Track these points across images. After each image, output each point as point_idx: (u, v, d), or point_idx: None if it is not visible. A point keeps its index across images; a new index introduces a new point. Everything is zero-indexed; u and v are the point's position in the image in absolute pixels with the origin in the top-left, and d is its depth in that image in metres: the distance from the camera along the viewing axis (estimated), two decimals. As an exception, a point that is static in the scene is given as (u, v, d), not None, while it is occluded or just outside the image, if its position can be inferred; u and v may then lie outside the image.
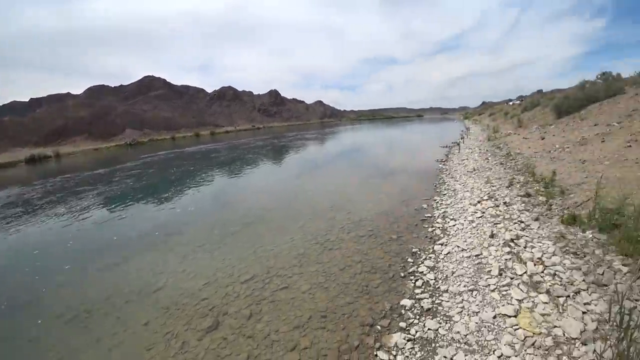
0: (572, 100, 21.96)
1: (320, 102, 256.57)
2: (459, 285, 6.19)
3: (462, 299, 5.72)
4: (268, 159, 31.59)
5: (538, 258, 6.29)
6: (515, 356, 4.14)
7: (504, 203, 9.83)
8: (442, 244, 8.32)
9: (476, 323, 4.97)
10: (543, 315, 4.73)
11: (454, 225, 9.29)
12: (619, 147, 11.10)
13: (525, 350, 4.18)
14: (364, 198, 13.60)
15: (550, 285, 5.38)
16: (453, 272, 6.73)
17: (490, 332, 4.70)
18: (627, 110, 15.40)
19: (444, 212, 10.71)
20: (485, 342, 4.53)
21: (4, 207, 17.70)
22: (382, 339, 5.22)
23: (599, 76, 25.42)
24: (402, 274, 7.18)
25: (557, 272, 5.67)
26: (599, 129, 14.87)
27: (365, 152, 32.29)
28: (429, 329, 5.16)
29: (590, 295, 4.91)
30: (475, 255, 7.08)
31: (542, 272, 5.81)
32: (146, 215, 13.70)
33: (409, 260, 7.83)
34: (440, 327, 5.18)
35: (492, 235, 7.77)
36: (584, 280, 5.29)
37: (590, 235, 6.64)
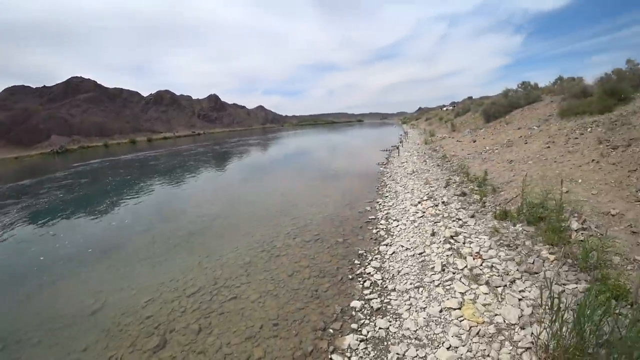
0: (498, 106, 23.95)
1: (261, 107, 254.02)
2: (406, 283, 6.36)
3: (410, 296, 5.88)
4: (210, 166, 30.56)
5: (476, 252, 6.67)
6: (463, 346, 4.32)
7: (443, 202, 10.35)
8: (386, 245, 8.53)
9: (424, 318, 5.12)
10: (484, 305, 5.01)
11: (397, 226, 9.58)
12: (539, 147, 12.20)
13: (472, 340, 4.38)
14: (308, 202, 13.61)
15: (488, 277, 5.72)
16: (399, 271, 6.91)
17: (438, 326, 4.87)
18: (544, 115, 17.04)
19: (387, 213, 11.03)
20: (434, 336, 4.69)
21: None
22: (335, 342, 5.20)
23: (520, 85, 27.98)
24: (350, 276, 7.25)
25: (494, 264, 6.05)
26: (522, 132, 16.27)
27: (308, 157, 32.45)
28: (380, 328, 5.22)
29: (524, 283, 5.29)
30: (419, 254, 7.35)
31: (481, 265, 6.17)
32: (79, 230, 12.46)
33: (356, 262, 7.92)
34: (390, 325, 5.27)
35: (433, 234, 8.13)
36: (517, 270, 5.70)
37: (520, 228, 7.19)
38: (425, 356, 4.37)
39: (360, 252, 8.43)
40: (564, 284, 4.98)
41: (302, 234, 10.00)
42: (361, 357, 4.75)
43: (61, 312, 6.86)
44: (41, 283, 8.19)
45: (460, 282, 5.80)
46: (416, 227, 8.98)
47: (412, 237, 8.42)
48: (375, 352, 4.76)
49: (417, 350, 4.49)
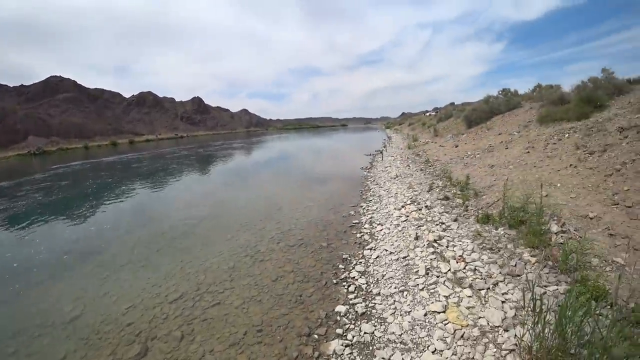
0: (480, 112, 24.41)
1: (245, 110, 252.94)
2: (390, 287, 6.36)
3: (394, 300, 5.88)
4: (194, 169, 30.14)
5: (460, 256, 6.73)
6: (448, 349, 4.33)
7: (426, 206, 10.43)
8: (371, 249, 8.54)
9: (409, 322, 5.11)
10: (468, 308, 5.04)
11: (381, 230, 9.61)
12: (520, 152, 12.46)
13: (456, 343, 4.39)
14: (293, 207, 13.54)
15: (472, 280, 5.76)
16: (383, 275, 6.90)
17: (423, 329, 4.87)
18: (524, 122, 17.42)
19: (371, 217, 11.06)
20: (419, 340, 4.68)
21: None
22: (320, 347, 5.15)
23: (500, 92, 28.62)
24: (335, 281, 7.21)
25: (477, 267, 6.11)
26: (502, 137, 16.60)
27: (293, 161, 32.42)
28: (365, 333, 5.19)
29: (506, 285, 5.35)
30: (403, 258, 7.36)
31: (464, 268, 6.21)
32: (57, 235, 11.99)
33: (340, 266, 7.90)
34: (375, 329, 5.25)
35: (416, 237, 8.16)
36: (500, 273, 5.76)
37: (502, 232, 7.29)
38: (410, 360, 4.36)
39: (344, 256, 8.41)
40: (545, 286, 5.05)
41: (286, 239, 9.93)
42: (346, 362, 4.72)
43: (38, 320, 6.59)
44: (16, 291, 7.85)
45: (444, 285, 5.82)
46: (400, 231, 9.01)
47: (396, 241, 8.44)
48: (361, 357, 4.73)
49: (402, 355, 4.47)
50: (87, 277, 8.37)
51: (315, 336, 5.44)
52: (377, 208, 11.98)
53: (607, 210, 6.54)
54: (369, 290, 6.58)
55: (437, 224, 8.78)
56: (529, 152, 12.07)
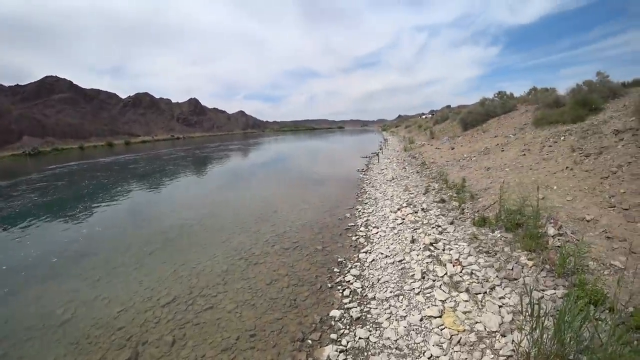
0: (476, 114, 24.42)
1: (242, 112, 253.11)
2: (385, 291, 6.27)
3: (390, 305, 5.79)
4: (190, 170, 29.91)
5: (456, 259, 6.65)
6: (444, 355, 4.24)
7: (422, 209, 10.36)
8: (366, 252, 8.44)
9: (405, 327, 5.02)
10: (465, 312, 4.96)
11: (376, 233, 9.52)
12: (516, 155, 12.43)
13: (453, 348, 4.30)
14: (288, 209, 13.43)
15: (468, 284, 5.69)
16: (379, 279, 6.81)
17: (419, 335, 4.78)
18: (520, 124, 17.44)
19: (367, 220, 10.97)
20: (415, 345, 4.59)
21: None
22: (314, 353, 5.04)
23: (496, 95, 28.66)
24: (330, 285, 7.11)
25: (473, 271, 6.03)
26: (498, 140, 16.59)
27: (289, 163, 32.25)
28: (360, 338, 5.10)
29: (503, 289, 5.27)
30: (399, 261, 7.28)
31: (461, 272, 6.14)
32: (49, 236, 11.79)
33: (335, 270, 7.79)
34: (370, 334, 5.15)
35: (413, 241, 8.08)
36: (497, 277, 5.68)
37: (499, 235, 7.22)
38: (406, 366, 4.27)
39: (339, 259, 8.30)
40: (542, 290, 4.97)
41: (281, 241, 9.81)
42: (341, 368, 4.62)
43: (27, 323, 6.44)
44: (5, 294, 7.70)
45: (441, 289, 5.74)
46: (396, 234, 8.94)
47: (391, 244, 8.36)
48: (355, 363, 4.63)
49: (397, 361, 4.38)
50: (79, 279, 8.21)
51: (309, 341, 5.33)
52: (373, 211, 11.89)
53: (604, 213, 6.49)
54: (364, 295, 6.48)
55: (433, 227, 8.70)
56: (525, 154, 12.05)
